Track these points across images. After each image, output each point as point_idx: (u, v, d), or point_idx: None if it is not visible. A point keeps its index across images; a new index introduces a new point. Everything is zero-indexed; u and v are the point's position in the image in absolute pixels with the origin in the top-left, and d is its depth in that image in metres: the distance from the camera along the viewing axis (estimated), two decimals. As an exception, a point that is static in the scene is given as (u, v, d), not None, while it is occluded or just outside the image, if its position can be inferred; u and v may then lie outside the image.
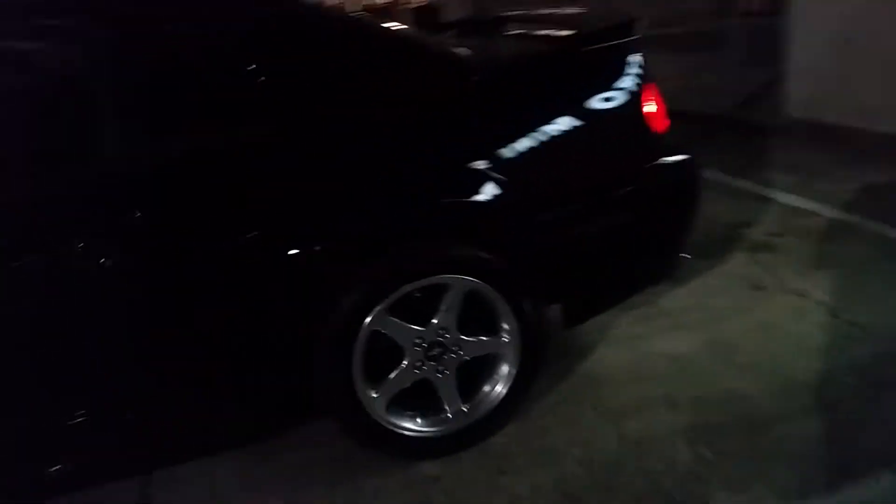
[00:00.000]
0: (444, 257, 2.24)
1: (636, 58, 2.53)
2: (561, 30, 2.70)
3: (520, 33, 2.98)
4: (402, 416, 2.33)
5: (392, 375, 2.28)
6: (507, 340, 2.36)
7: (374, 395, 2.25)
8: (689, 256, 2.79)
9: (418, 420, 2.34)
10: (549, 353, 2.79)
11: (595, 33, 2.58)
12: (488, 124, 2.34)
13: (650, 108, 2.49)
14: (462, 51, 2.65)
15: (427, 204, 2.23)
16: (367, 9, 17.45)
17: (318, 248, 2.09)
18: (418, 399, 2.34)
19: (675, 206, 2.62)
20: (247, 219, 2.05)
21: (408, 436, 2.32)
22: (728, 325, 3.00)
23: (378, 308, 2.16)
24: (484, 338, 2.36)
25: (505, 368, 2.40)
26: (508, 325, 2.35)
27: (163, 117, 2.05)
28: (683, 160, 2.57)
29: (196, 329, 2.08)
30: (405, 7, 14.56)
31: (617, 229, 2.46)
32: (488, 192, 2.24)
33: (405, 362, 2.28)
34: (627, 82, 2.47)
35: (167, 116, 2.05)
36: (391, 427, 2.29)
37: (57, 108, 1.97)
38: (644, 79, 2.50)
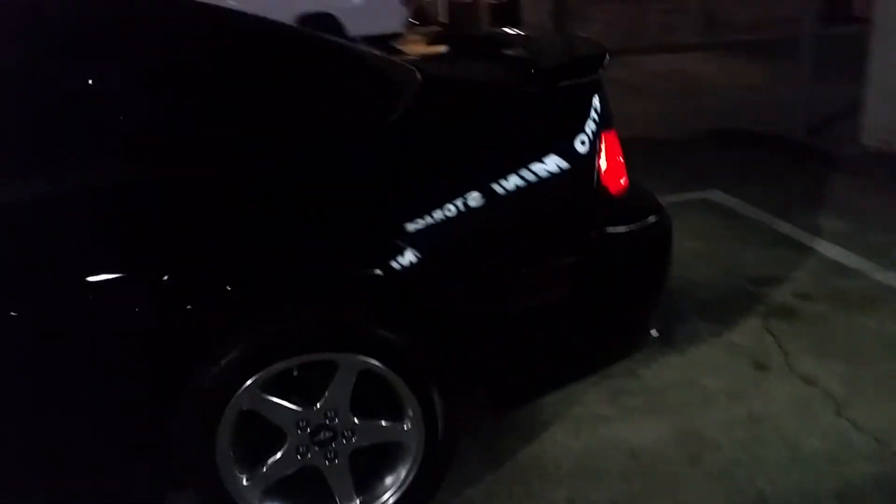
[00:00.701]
0: (328, 333, 1.91)
1: (595, 102, 2.13)
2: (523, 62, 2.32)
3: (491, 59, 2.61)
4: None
5: (270, 461, 1.98)
6: (409, 428, 2.03)
7: (246, 483, 1.97)
8: (656, 334, 2.38)
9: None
10: (484, 434, 2.47)
11: (550, 70, 2.18)
12: (403, 170, 2.01)
13: (602, 164, 2.09)
14: (402, 75, 2.30)
15: (310, 266, 1.91)
16: (452, 6, 17.20)
17: (173, 310, 1.81)
18: (309, 488, 2.05)
19: (632, 280, 2.21)
20: (90, 268, 1.78)
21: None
22: (712, 414, 2.55)
23: (246, 385, 1.86)
24: (383, 423, 2.03)
25: (409, 459, 2.07)
26: (412, 411, 2.02)
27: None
28: (642, 228, 2.16)
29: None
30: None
31: (552, 306, 2.08)
32: (393, 256, 1.90)
33: (286, 447, 1.99)
34: (579, 134, 2.07)
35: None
36: (264, 518, 2.01)
37: None
38: (600, 130, 2.10)
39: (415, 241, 1.91)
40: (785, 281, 3.45)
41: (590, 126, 2.08)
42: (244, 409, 1.90)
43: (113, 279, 1.77)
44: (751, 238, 3.96)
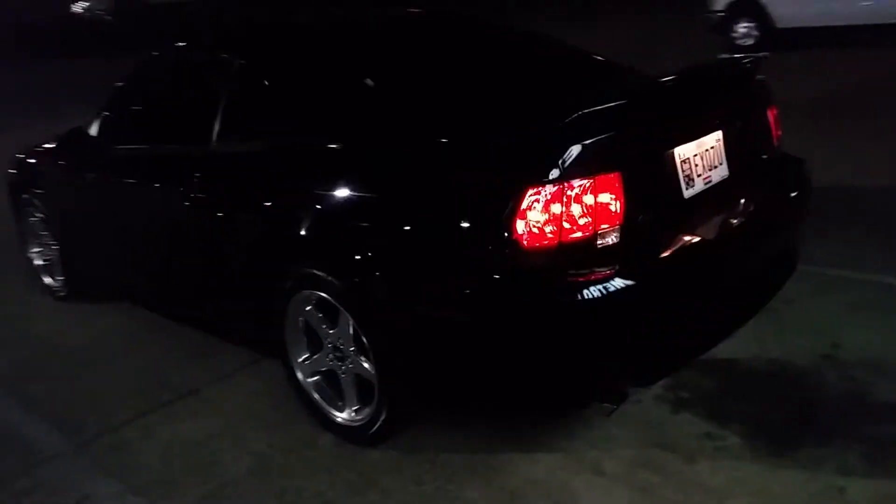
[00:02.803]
0: (334, 288, 2.68)
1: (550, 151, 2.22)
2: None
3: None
4: (320, 387, 2.97)
5: (315, 355, 2.95)
6: (372, 373, 2.69)
7: (300, 360, 2.98)
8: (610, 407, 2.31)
9: (326, 399, 2.94)
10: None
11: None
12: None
13: (537, 216, 2.19)
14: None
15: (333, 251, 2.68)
16: None
17: (275, 236, 2.91)
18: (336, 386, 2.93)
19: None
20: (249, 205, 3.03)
21: (316, 402, 2.97)
22: None
23: (295, 297, 2.85)
24: (363, 362, 2.72)
25: (375, 396, 2.72)
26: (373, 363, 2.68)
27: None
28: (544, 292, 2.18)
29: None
30: None
31: (461, 329, 2.39)
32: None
33: (322, 351, 2.90)
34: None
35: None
36: (306, 389, 2.99)
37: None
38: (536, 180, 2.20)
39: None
40: None
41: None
42: (301, 316, 2.90)
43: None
44: None
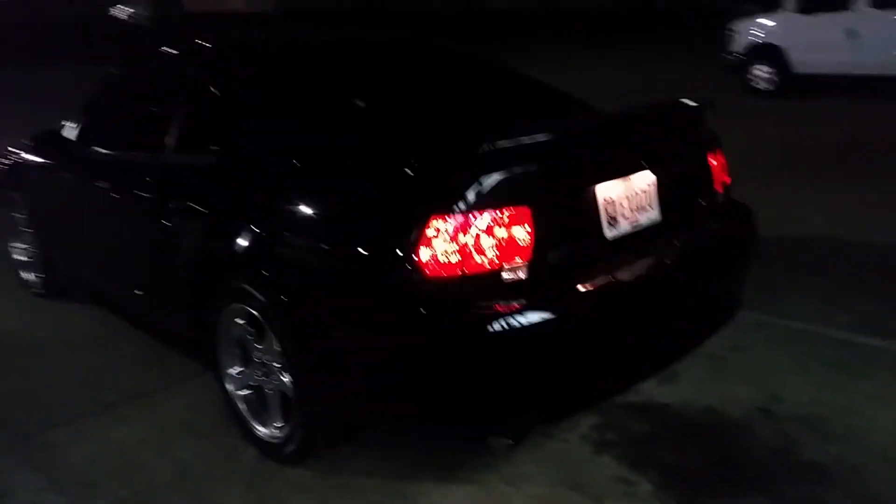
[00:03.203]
0: (257, 304, 2.70)
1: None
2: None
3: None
4: (249, 400, 2.98)
5: (245, 368, 2.96)
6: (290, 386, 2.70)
7: (230, 371, 2.99)
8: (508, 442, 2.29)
9: (252, 413, 2.95)
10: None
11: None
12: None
13: (441, 245, 2.19)
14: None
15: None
16: None
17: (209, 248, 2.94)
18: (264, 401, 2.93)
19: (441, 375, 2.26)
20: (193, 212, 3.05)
21: (241, 414, 2.98)
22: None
23: (228, 310, 2.87)
24: (284, 378, 2.72)
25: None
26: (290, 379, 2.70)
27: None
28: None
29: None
30: None
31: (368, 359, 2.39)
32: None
33: (251, 365, 2.91)
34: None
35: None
36: (234, 400, 3.00)
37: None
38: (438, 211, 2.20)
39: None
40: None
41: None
42: (233, 329, 2.92)
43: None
44: None
